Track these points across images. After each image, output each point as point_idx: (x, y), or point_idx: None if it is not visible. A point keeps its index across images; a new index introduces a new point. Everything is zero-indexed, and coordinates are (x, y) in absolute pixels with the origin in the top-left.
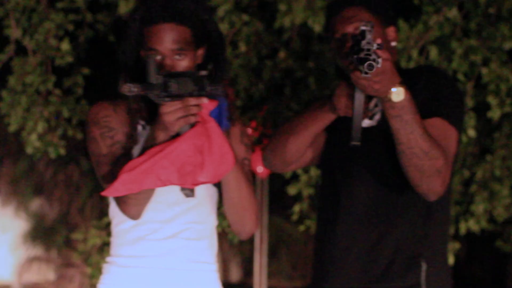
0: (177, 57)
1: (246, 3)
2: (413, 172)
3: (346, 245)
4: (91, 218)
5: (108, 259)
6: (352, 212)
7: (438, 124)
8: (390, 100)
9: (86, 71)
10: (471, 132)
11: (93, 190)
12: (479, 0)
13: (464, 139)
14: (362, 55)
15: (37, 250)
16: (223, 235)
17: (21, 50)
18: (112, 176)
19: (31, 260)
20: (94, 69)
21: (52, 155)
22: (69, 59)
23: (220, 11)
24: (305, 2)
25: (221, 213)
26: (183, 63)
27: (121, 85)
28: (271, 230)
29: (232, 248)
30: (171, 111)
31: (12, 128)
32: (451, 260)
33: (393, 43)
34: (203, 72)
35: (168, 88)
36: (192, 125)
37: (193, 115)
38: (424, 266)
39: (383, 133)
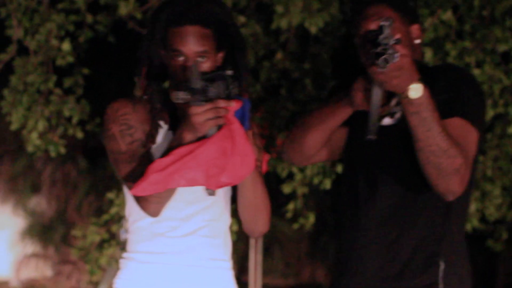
0: (199, 59)
1: (243, 4)
2: (431, 170)
3: (365, 242)
4: (88, 216)
5: (125, 254)
6: (372, 210)
7: (458, 124)
8: (408, 96)
9: (86, 71)
10: None
11: (90, 189)
12: (474, 3)
13: None
14: (379, 49)
15: (34, 247)
16: None
17: (22, 50)
18: (134, 175)
19: (29, 257)
20: (94, 69)
21: (53, 153)
22: (70, 59)
23: None
24: (302, 4)
25: None
26: (204, 66)
27: (171, 92)
28: None
29: None
30: (200, 112)
31: (14, 126)
32: None
33: (417, 41)
34: (229, 72)
35: (207, 92)
36: (219, 127)
37: (221, 117)
38: (442, 265)
39: (404, 132)
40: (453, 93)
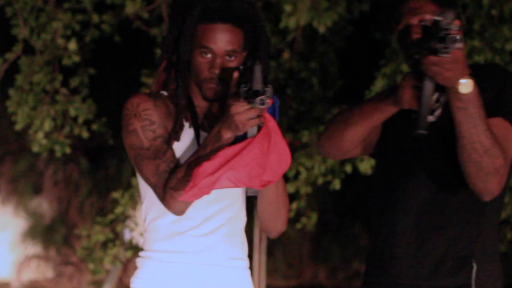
0: (227, 58)
1: None
2: (471, 168)
3: (398, 240)
4: (90, 217)
5: (142, 253)
6: (407, 208)
7: (499, 124)
8: (458, 91)
9: (92, 71)
10: None
11: (92, 189)
12: (482, 2)
13: None
14: (441, 34)
15: (36, 248)
16: None
17: (28, 50)
18: (163, 174)
19: (30, 258)
20: (100, 68)
21: (58, 153)
22: (76, 58)
23: None
24: (310, 3)
25: None
26: (231, 65)
27: (245, 94)
28: None
29: None
30: (243, 111)
31: (18, 126)
32: None
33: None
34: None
35: (266, 93)
36: (259, 126)
37: (262, 115)
38: (475, 267)
39: (442, 129)
40: (497, 92)
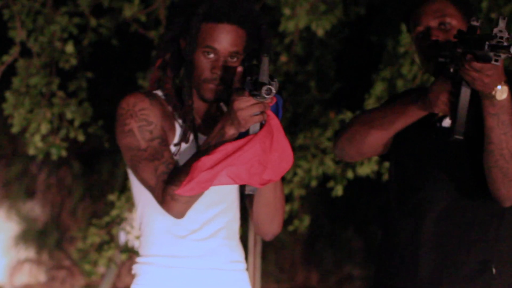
0: (229, 59)
1: None
2: (496, 174)
3: (417, 245)
4: (82, 221)
5: (140, 259)
6: (427, 213)
7: None
8: (493, 97)
9: (90, 75)
10: None
11: (85, 193)
12: (482, 5)
13: None
14: (494, 42)
15: (28, 252)
16: None
17: (25, 52)
18: (162, 175)
19: (23, 262)
20: (97, 72)
21: (54, 156)
22: (73, 61)
23: None
24: (309, 7)
25: None
26: (233, 65)
27: (250, 86)
28: None
29: None
30: (246, 107)
31: (15, 129)
32: None
33: None
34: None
35: (272, 87)
36: (262, 123)
37: (265, 112)
38: (495, 271)
39: (464, 135)
40: None
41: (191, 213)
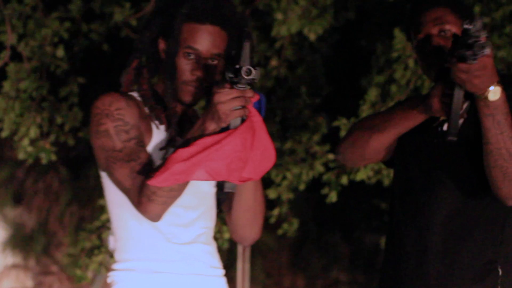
0: (210, 61)
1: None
2: (497, 173)
3: (423, 248)
4: (70, 227)
5: (117, 265)
6: (431, 215)
7: None
8: (486, 98)
9: (81, 80)
10: None
11: (72, 199)
12: (474, 10)
13: None
14: (471, 41)
15: (15, 258)
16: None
17: (16, 56)
18: (135, 175)
19: (10, 268)
20: (89, 77)
21: (44, 160)
22: (64, 66)
23: None
24: (300, 11)
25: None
26: (214, 68)
27: (229, 71)
28: None
29: None
30: (227, 100)
31: (5, 133)
32: None
33: None
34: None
35: (253, 73)
36: (243, 119)
37: (246, 107)
38: (500, 271)
39: (465, 136)
40: None
41: (170, 216)
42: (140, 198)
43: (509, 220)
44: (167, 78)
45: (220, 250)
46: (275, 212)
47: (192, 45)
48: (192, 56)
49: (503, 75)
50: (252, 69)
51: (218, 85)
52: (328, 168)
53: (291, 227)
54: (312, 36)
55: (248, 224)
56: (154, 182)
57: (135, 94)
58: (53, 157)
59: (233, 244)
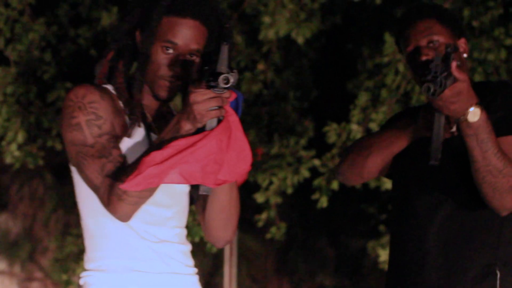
0: (189, 56)
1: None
2: (487, 189)
3: (423, 253)
4: (55, 232)
5: (89, 265)
6: (428, 221)
7: (511, 142)
8: (466, 120)
9: (69, 85)
10: None
11: (57, 205)
12: (463, 14)
13: None
14: (429, 77)
15: (0, 264)
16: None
17: (3, 61)
18: (107, 172)
19: None
20: (76, 82)
21: (31, 165)
22: (52, 71)
23: None
24: (288, 15)
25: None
26: (192, 64)
27: (207, 76)
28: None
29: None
30: (203, 100)
31: None
32: None
33: (464, 55)
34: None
35: (230, 76)
36: (219, 119)
37: (223, 107)
38: (498, 274)
39: (460, 146)
40: (509, 111)
41: (143, 214)
42: (110, 197)
43: (506, 223)
44: (137, 69)
45: (206, 255)
46: (263, 216)
47: (171, 39)
48: (171, 51)
49: (491, 84)
50: (230, 78)
51: (194, 84)
52: (313, 173)
53: (279, 231)
54: (300, 40)
55: (222, 225)
56: (127, 186)
57: (110, 87)
58: (40, 162)
59: (220, 249)
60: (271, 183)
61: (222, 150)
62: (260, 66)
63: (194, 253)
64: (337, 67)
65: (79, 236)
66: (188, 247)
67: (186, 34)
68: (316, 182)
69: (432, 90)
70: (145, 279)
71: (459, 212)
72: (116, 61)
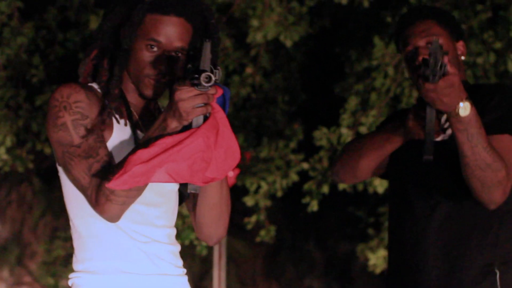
0: (174, 54)
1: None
2: (475, 183)
3: (423, 254)
4: (44, 237)
5: (77, 266)
6: (429, 223)
7: (506, 140)
8: (457, 114)
9: None
10: None
11: (46, 209)
12: None
13: None
14: (429, 60)
15: None
16: (191, 247)
17: None
18: (95, 172)
19: None
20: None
21: (20, 169)
22: (41, 75)
23: None
24: (277, 18)
25: (189, 226)
26: (177, 62)
27: (190, 74)
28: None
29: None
30: (188, 98)
31: None
32: None
33: (462, 57)
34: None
35: (215, 76)
36: (206, 116)
37: (209, 104)
38: (498, 273)
39: (455, 147)
40: (505, 111)
41: (132, 213)
42: (98, 197)
43: (505, 222)
44: (117, 65)
45: (195, 258)
46: (253, 219)
47: (155, 37)
48: (155, 49)
49: (481, 87)
50: (212, 76)
51: (179, 82)
52: (302, 177)
53: (269, 233)
54: (288, 43)
55: (214, 222)
56: (113, 185)
57: (96, 86)
58: (29, 165)
59: (209, 252)
60: (259, 186)
61: (210, 148)
62: (249, 70)
63: (183, 256)
64: (325, 70)
65: (67, 239)
66: (178, 247)
67: (170, 32)
68: (306, 186)
69: (430, 71)
70: (134, 281)
71: (458, 212)
72: (100, 59)
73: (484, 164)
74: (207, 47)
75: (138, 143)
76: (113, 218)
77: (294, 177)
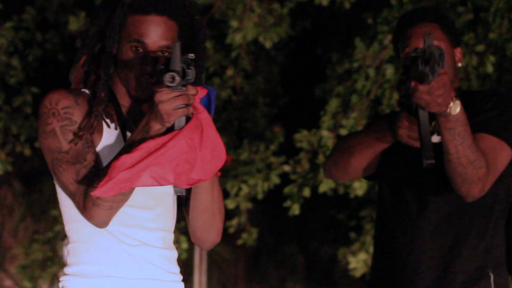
0: (160, 53)
1: None
2: (456, 179)
3: (419, 255)
4: (24, 240)
5: (68, 270)
6: (424, 224)
7: (492, 141)
8: (449, 114)
9: (36, 90)
10: None
11: (26, 213)
12: None
13: None
14: (426, 56)
15: None
16: None
17: None
18: (83, 178)
19: None
20: (43, 87)
21: (0, 171)
22: (20, 76)
23: None
24: (256, 19)
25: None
26: (164, 61)
27: (161, 75)
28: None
29: None
30: (168, 99)
31: None
32: None
33: (459, 64)
34: (191, 55)
35: (187, 76)
36: (188, 117)
37: (191, 105)
38: (492, 276)
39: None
40: (496, 113)
41: (122, 216)
42: (85, 203)
43: (499, 225)
44: (102, 68)
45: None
46: (234, 222)
47: (138, 38)
48: (140, 50)
49: (476, 93)
50: (175, 75)
51: (159, 84)
52: (284, 179)
53: (251, 237)
54: (267, 44)
55: (206, 225)
56: (98, 192)
57: (87, 91)
58: (9, 168)
59: (190, 255)
60: (240, 189)
61: (194, 149)
62: (229, 72)
63: None
64: (306, 72)
65: (45, 242)
66: (173, 252)
67: (153, 31)
68: (287, 189)
69: (430, 68)
70: (120, 285)
71: (455, 215)
72: (90, 65)
73: (466, 162)
74: (177, 47)
75: (122, 148)
76: (101, 223)
77: (275, 179)
